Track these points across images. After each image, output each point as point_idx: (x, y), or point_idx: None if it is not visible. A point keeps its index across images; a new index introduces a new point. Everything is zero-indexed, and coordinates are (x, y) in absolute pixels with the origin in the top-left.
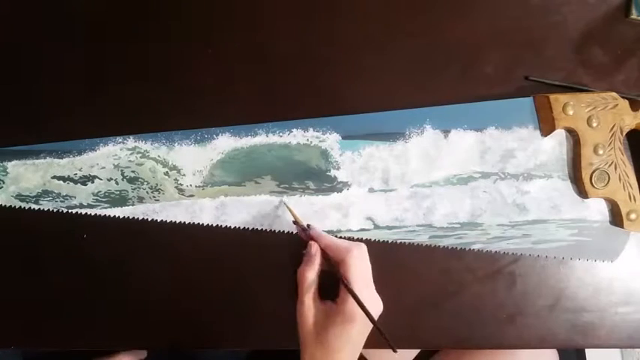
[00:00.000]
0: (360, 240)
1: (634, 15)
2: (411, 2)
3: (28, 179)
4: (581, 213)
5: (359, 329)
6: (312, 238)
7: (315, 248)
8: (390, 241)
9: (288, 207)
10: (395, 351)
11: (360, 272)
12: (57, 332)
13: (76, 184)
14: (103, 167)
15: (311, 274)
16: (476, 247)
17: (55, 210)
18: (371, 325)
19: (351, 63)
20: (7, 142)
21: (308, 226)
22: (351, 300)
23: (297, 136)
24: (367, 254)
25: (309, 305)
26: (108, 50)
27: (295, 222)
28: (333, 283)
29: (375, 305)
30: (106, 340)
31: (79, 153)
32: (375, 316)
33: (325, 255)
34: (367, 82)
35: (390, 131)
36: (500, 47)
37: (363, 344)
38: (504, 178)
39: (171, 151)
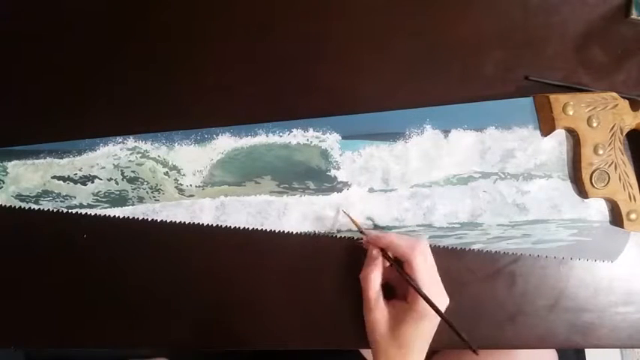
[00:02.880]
0: (359, 241)
1: (634, 15)
2: (412, 2)
3: (28, 179)
4: (581, 213)
5: (431, 325)
6: (372, 241)
7: (375, 251)
8: None
9: (350, 217)
10: (475, 352)
11: (425, 269)
12: (57, 332)
13: (76, 184)
14: (103, 167)
15: (375, 276)
16: (476, 247)
17: (55, 210)
18: (438, 319)
19: (351, 63)
20: (7, 142)
21: (362, 232)
22: (421, 298)
23: (297, 136)
24: (429, 249)
25: (379, 308)
26: (108, 50)
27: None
28: (398, 282)
29: (443, 300)
30: (106, 340)
31: (79, 153)
32: (442, 310)
33: (387, 255)
34: (367, 82)
35: (390, 131)
36: (501, 47)
37: (432, 338)
38: (504, 178)
39: (171, 151)
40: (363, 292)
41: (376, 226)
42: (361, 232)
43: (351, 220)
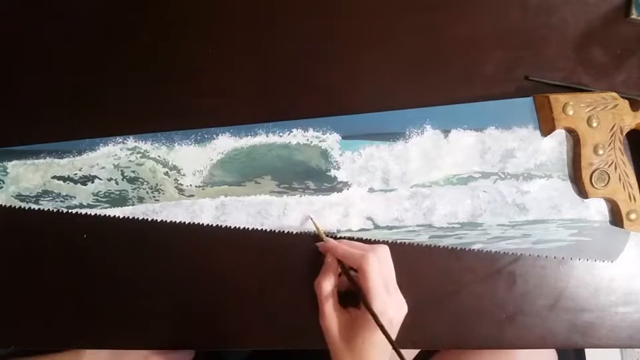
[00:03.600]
0: (359, 240)
1: (634, 15)
2: (412, 2)
3: (28, 179)
4: (581, 213)
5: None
6: (328, 250)
7: (330, 258)
8: (390, 241)
9: (314, 223)
10: None
11: (376, 278)
12: (57, 332)
13: (76, 184)
14: (103, 167)
15: (327, 284)
16: (476, 247)
17: (55, 210)
18: (398, 325)
19: (351, 63)
20: (7, 142)
21: (322, 239)
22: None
23: (297, 136)
24: (388, 256)
25: (330, 315)
26: (108, 50)
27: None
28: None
29: (398, 309)
30: (106, 340)
31: (79, 153)
32: (400, 319)
33: (341, 263)
34: (367, 82)
35: (390, 131)
36: (501, 47)
37: (388, 347)
38: (504, 178)
39: (172, 151)
40: (317, 299)
41: (376, 226)
42: (321, 238)
43: (315, 226)
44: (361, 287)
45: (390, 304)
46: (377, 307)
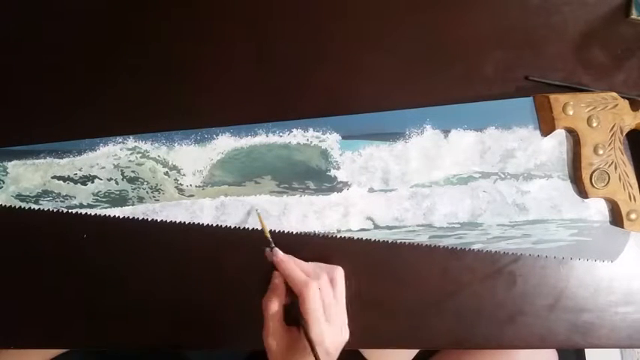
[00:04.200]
0: (359, 240)
1: (634, 15)
2: (412, 2)
3: (28, 179)
4: (581, 213)
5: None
6: (275, 263)
7: (279, 279)
8: (390, 241)
9: (260, 220)
10: None
11: (315, 307)
12: (57, 332)
13: (76, 184)
14: (103, 167)
15: (274, 304)
16: (476, 247)
17: (55, 210)
18: (336, 353)
19: (351, 63)
20: (7, 142)
21: (272, 248)
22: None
23: (297, 136)
24: (338, 278)
25: (273, 333)
26: (108, 50)
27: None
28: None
29: (335, 338)
30: (105, 340)
31: (79, 153)
32: (337, 347)
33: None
34: (367, 82)
35: (390, 131)
36: (501, 47)
37: None
38: (504, 178)
39: (171, 151)
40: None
41: (376, 226)
42: (267, 242)
43: (261, 223)
44: (301, 314)
45: (328, 334)
46: (314, 336)
